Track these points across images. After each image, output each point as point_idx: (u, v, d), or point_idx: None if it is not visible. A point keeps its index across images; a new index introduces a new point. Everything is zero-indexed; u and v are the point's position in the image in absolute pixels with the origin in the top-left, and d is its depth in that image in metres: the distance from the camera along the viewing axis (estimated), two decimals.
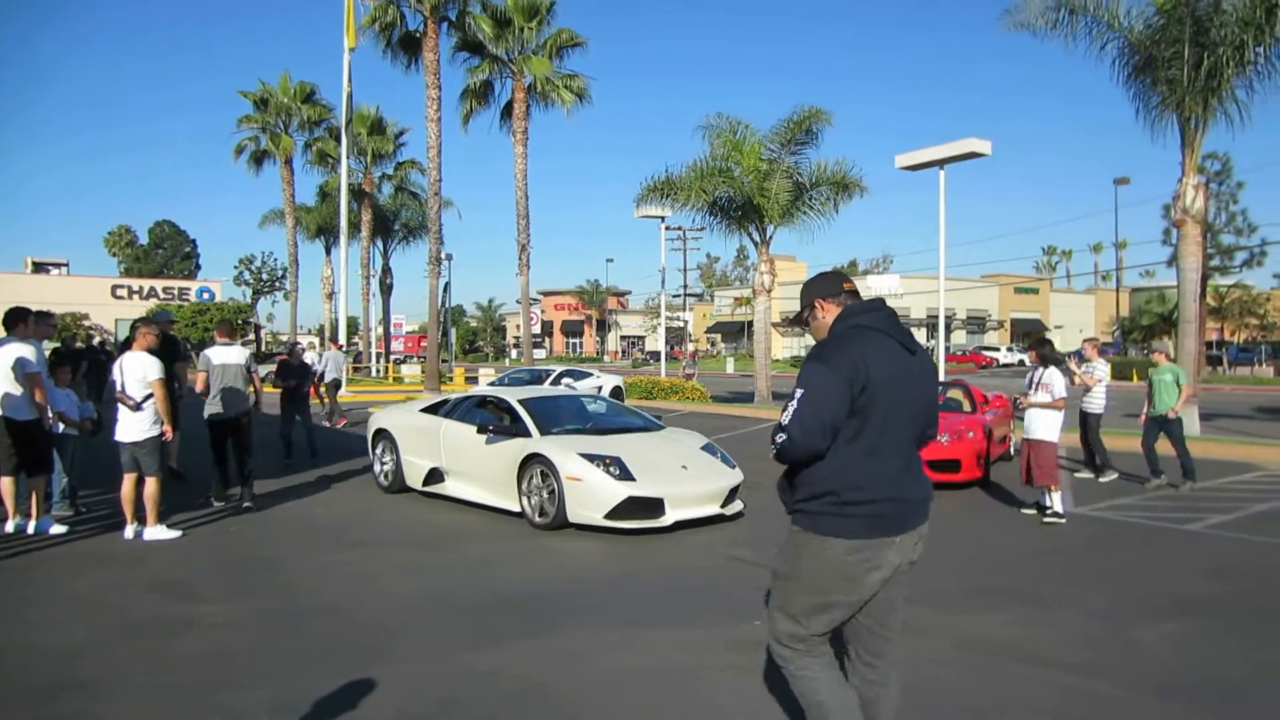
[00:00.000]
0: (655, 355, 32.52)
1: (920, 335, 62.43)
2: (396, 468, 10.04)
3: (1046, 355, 8.91)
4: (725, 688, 4.39)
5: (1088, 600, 6.03)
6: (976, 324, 68.04)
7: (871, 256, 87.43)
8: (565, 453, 8.05)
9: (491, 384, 21.48)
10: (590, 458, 7.99)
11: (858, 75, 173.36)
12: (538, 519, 8.15)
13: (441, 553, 7.45)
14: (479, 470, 8.98)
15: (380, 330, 47.05)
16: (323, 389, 18.71)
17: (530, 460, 8.26)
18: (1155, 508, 9.44)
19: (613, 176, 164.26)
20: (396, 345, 56.66)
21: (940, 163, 18.33)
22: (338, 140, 33.57)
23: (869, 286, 63.55)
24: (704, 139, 23.17)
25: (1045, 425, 8.71)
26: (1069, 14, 16.48)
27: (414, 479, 9.79)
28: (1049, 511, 8.65)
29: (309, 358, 19.03)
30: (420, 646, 5.01)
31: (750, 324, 33.09)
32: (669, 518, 7.94)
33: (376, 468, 10.41)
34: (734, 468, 8.78)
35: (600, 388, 23.06)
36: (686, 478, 8.21)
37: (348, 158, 31.17)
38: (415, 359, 49.84)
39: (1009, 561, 7.19)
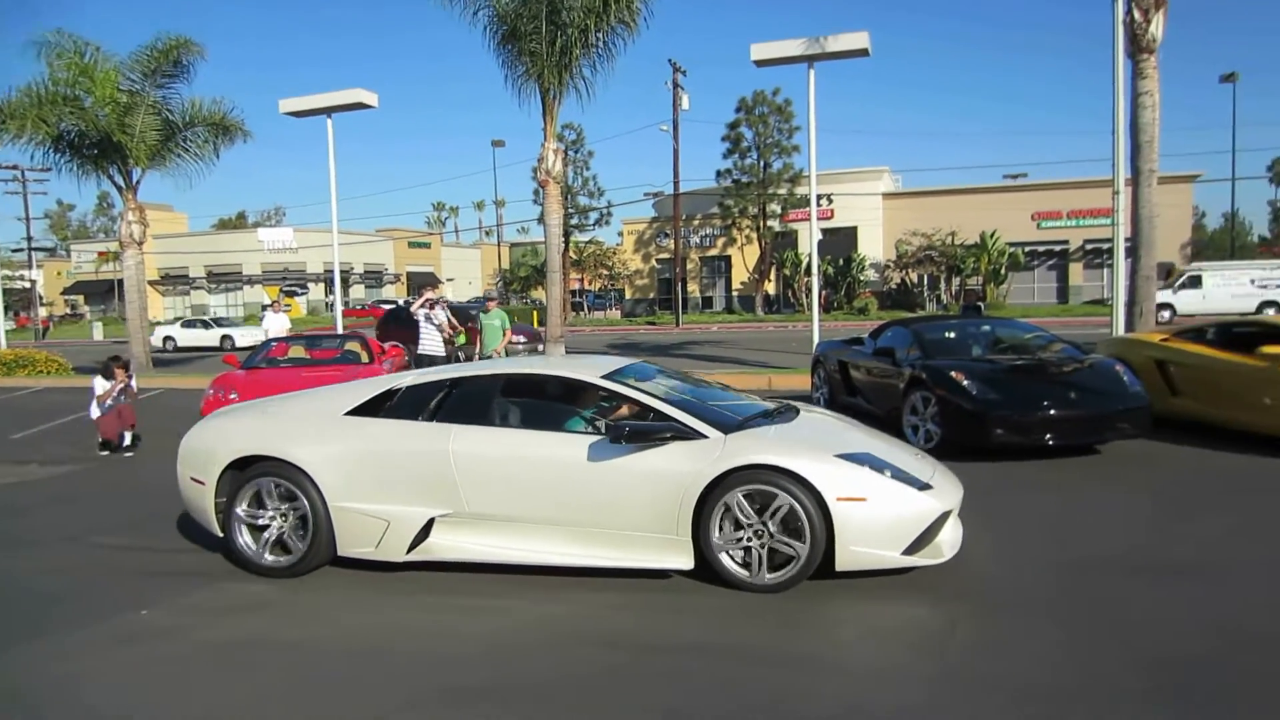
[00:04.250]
0: None
1: (319, 290, 61.30)
2: (315, 527, 5.36)
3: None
4: (118, 689, 3.96)
5: None
6: (374, 278, 69.16)
7: (263, 208, 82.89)
8: (815, 459, 4.92)
9: None
10: (853, 460, 5.00)
11: (241, 13, 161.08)
12: (763, 575, 4.89)
13: None
14: (577, 509, 5.15)
15: None
16: None
17: (729, 480, 4.88)
18: None
19: None
20: None
21: (327, 111, 17.84)
22: None
23: (260, 240, 60.23)
24: (41, 58, 19.23)
25: None
26: None
27: (368, 542, 5.35)
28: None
29: None
30: None
31: (120, 282, 28.79)
32: (951, 540, 5.10)
33: (242, 535, 5.51)
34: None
35: None
36: (945, 477, 5.43)
37: None
38: None
39: None
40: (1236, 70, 42.67)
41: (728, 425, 5.23)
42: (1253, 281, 32.05)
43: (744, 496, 4.87)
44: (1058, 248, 43.49)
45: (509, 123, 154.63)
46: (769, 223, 44.98)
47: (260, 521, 5.48)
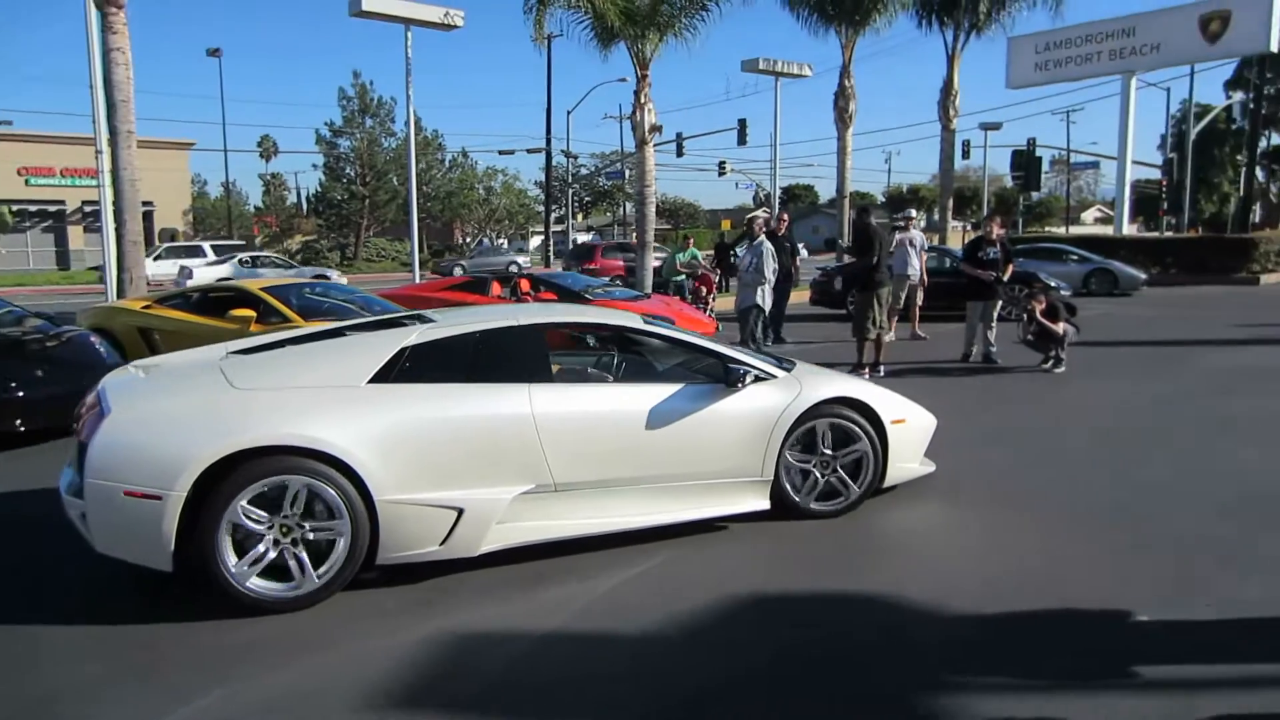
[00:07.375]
0: None
1: None
2: (354, 533, 3.97)
3: None
4: None
5: None
6: None
7: None
8: (868, 388, 5.43)
9: None
10: (882, 387, 5.66)
11: None
12: (823, 502, 5.16)
13: None
14: (666, 463, 4.77)
15: None
16: None
17: (812, 417, 5.06)
18: None
19: None
20: None
21: None
22: None
23: None
24: None
25: None
26: None
27: (431, 539, 4.19)
28: None
29: None
30: None
31: None
32: None
33: (231, 560, 3.82)
34: None
35: None
36: None
37: None
38: None
39: None
40: (220, 46, 45.43)
41: (782, 366, 5.37)
42: None
43: (819, 428, 5.09)
44: (53, 208, 40.08)
45: None
46: None
47: (257, 538, 3.84)
